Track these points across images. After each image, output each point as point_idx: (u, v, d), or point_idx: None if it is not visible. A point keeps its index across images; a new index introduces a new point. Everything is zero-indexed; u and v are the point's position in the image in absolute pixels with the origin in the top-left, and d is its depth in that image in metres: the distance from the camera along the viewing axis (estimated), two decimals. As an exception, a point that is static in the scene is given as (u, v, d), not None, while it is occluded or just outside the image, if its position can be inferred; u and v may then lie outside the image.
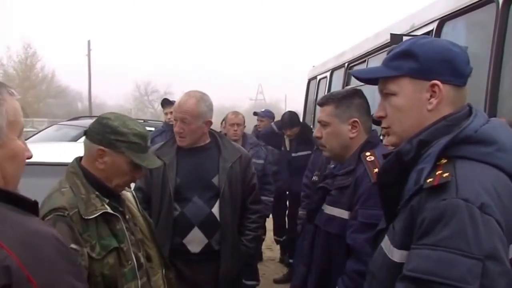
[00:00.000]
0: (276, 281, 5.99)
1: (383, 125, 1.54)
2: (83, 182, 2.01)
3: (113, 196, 2.11)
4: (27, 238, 1.00)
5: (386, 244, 1.40)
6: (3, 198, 1.08)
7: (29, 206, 1.14)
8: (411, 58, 1.43)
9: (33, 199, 1.19)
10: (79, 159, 2.11)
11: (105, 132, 2.03)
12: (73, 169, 2.06)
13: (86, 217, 1.92)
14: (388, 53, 1.54)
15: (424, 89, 1.41)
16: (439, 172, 1.25)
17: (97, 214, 1.95)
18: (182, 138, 3.02)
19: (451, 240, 1.13)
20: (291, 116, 6.04)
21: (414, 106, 1.43)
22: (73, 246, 1.79)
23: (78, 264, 1.13)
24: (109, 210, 2.01)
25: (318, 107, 2.47)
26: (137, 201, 2.34)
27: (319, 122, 2.38)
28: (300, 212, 4.48)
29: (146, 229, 2.29)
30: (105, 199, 2.04)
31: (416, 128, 1.41)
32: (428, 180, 1.25)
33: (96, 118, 2.13)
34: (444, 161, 1.28)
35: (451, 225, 1.14)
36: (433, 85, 1.39)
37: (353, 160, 2.26)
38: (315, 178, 3.84)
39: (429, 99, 1.40)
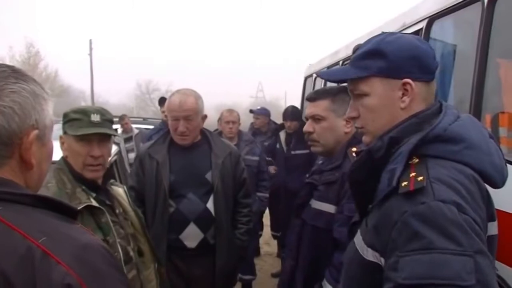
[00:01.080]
0: (274, 275, 6.05)
1: (357, 125, 1.53)
2: (69, 178, 2.07)
3: (100, 190, 2.16)
4: (80, 252, 0.97)
5: (358, 239, 1.40)
6: (48, 206, 1.06)
7: (71, 213, 1.12)
8: (379, 57, 1.40)
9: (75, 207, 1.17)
10: (65, 156, 2.16)
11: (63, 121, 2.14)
12: (59, 165, 2.12)
13: None
14: (354, 51, 1.52)
15: (395, 87, 1.39)
16: (413, 174, 1.24)
17: (81, 207, 1.99)
18: (186, 137, 3.07)
19: (439, 241, 1.12)
20: (293, 109, 6.24)
21: (386, 105, 1.41)
22: None
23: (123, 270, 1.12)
24: (94, 203, 2.05)
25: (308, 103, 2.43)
26: (129, 197, 2.38)
27: (311, 117, 2.34)
28: None
29: (138, 224, 2.34)
30: (92, 193, 2.09)
31: (389, 126, 1.40)
32: (403, 184, 1.24)
33: None
34: (415, 160, 1.28)
35: (436, 226, 1.14)
36: (405, 84, 1.38)
37: (340, 155, 2.27)
38: None
39: (402, 98, 1.39)
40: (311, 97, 2.41)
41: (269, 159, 6.02)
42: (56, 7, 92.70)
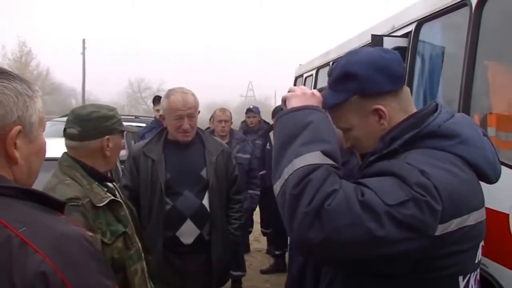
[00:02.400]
0: (263, 272, 6.16)
1: (349, 145, 1.60)
2: (82, 174, 2.11)
3: (106, 186, 2.23)
4: (58, 241, 0.99)
5: None
6: (33, 198, 1.08)
7: (57, 205, 1.14)
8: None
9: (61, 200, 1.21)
10: (70, 153, 2.19)
11: (101, 123, 2.16)
12: (68, 162, 2.15)
13: (97, 205, 2.03)
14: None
15: (368, 113, 1.45)
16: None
17: (107, 201, 2.07)
18: (188, 133, 3.13)
19: (393, 184, 1.21)
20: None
21: (370, 131, 1.47)
22: (89, 233, 1.83)
23: (105, 261, 1.15)
24: (112, 197, 2.13)
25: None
26: (119, 191, 2.42)
27: None
28: None
29: (129, 217, 2.37)
30: (104, 188, 2.16)
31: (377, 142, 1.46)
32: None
33: (72, 118, 2.20)
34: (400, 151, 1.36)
35: (391, 173, 1.23)
36: (376, 110, 1.43)
37: (346, 152, 2.31)
38: None
39: (379, 121, 1.45)
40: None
41: None
42: (50, 7, 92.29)
